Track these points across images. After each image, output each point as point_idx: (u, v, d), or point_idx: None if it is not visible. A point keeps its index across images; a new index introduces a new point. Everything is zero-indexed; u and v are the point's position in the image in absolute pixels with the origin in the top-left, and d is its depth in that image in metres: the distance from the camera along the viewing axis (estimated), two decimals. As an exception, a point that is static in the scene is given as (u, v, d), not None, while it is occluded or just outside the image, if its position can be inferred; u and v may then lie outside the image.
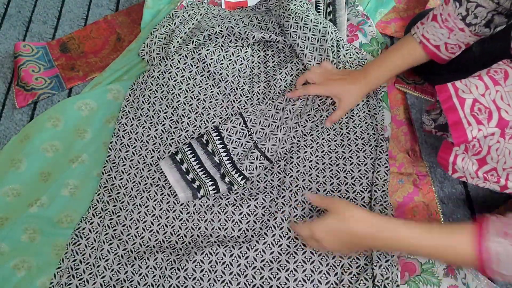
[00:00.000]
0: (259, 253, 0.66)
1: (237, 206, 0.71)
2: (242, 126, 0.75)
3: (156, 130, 0.79)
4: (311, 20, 0.81)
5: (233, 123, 0.76)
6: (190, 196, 0.70)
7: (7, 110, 0.91)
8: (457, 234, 0.49)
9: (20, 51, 0.94)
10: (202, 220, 0.71)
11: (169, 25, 0.91)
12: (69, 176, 0.79)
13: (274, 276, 0.64)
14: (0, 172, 0.79)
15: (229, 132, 0.75)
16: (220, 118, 0.80)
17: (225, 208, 0.71)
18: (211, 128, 0.77)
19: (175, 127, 0.79)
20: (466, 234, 0.48)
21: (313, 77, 0.76)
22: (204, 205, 0.72)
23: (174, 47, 0.86)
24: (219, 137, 0.74)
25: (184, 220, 0.71)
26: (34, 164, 0.80)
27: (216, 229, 0.70)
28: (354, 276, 0.63)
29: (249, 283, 0.64)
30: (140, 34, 0.96)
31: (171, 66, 0.83)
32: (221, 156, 0.73)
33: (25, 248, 0.72)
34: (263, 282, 0.64)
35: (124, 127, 0.79)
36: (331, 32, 0.81)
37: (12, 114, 0.90)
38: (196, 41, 0.84)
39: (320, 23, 0.81)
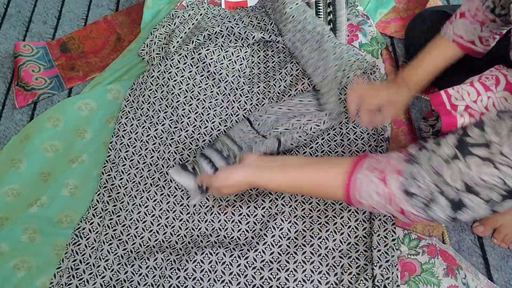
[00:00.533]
0: (259, 253, 0.66)
1: (237, 207, 0.71)
2: (249, 128, 0.75)
3: (156, 130, 0.79)
4: (309, 23, 0.81)
5: (241, 127, 0.76)
6: (203, 199, 0.71)
7: (7, 110, 0.91)
8: (334, 169, 0.52)
9: (20, 51, 0.94)
10: (202, 220, 0.71)
11: (169, 25, 0.91)
12: (69, 176, 0.79)
13: (274, 276, 0.64)
14: (0, 172, 0.79)
15: (239, 134, 0.75)
16: (220, 118, 0.80)
17: (224, 209, 0.71)
18: (223, 133, 0.77)
19: (175, 127, 0.79)
20: (341, 169, 0.51)
21: (356, 95, 0.70)
22: (204, 206, 0.72)
23: (174, 47, 0.86)
24: (233, 142, 0.74)
25: (184, 221, 0.71)
26: (34, 164, 0.80)
27: (216, 229, 0.70)
28: (354, 276, 0.63)
29: (249, 283, 0.64)
30: (140, 34, 0.96)
31: (171, 66, 0.83)
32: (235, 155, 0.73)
33: (25, 248, 0.72)
34: (263, 282, 0.64)
35: (124, 127, 0.79)
36: (330, 35, 0.81)
37: (12, 114, 0.90)
38: (196, 41, 0.84)
39: (319, 25, 0.81)
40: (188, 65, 0.84)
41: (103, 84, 0.89)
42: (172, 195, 0.73)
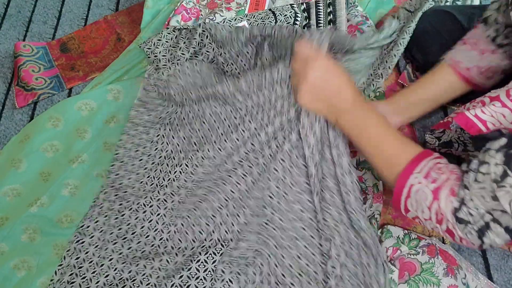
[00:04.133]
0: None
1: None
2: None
3: (165, 129, 0.79)
4: None
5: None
6: None
7: (7, 110, 0.91)
8: (403, 153, 0.50)
9: (20, 51, 0.94)
10: (203, 216, 0.71)
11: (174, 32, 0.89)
12: (69, 176, 0.79)
13: (273, 273, 0.64)
14: (0, 172, 0.79)
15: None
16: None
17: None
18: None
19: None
20: (410, 153, 0.49)
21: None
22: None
23: (181, 51, 0.84)
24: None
25: (186, 218, 0.71)
26: (34, 164, 0.80)
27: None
28: None
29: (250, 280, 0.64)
30: (140, 34, 0.96)
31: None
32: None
33: (25, 248, 0.72)
34: (261, 280, 0.64)
35: (136, 127, 0.79)
36: None
37: (12, 114, 0.90)
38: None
39: None
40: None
41: (103, 84, 0.90)
42: (176, 193, 0.73)
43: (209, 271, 0.65)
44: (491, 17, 0.60)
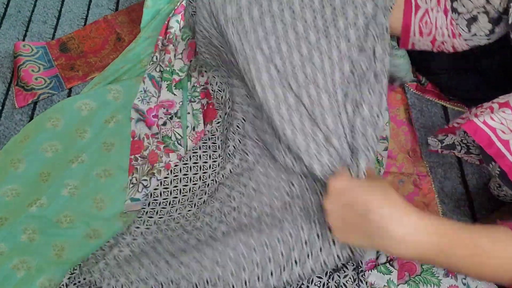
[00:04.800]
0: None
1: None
2: None
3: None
4: None
5: None
6: None
7: (6, 110, 0.91)
8: (503, 241, 0.41)
9: (19, 51, 0.94)
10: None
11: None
12: (69, 176, 0.79)
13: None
14: (0, 172, 0.79)
15: None
16: None
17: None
18: None
19: None
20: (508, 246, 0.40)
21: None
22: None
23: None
24: None
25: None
26: (33, 164, 0.80)
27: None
28: None
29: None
30: (140, 34, 0.96)
31: None
32: None
33: (24, 248, 0.72)
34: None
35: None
36: None
37: (11, 114, 0.90)
38: None
39: None
40: None
41: (103, 84, 0.89)
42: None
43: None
44: None
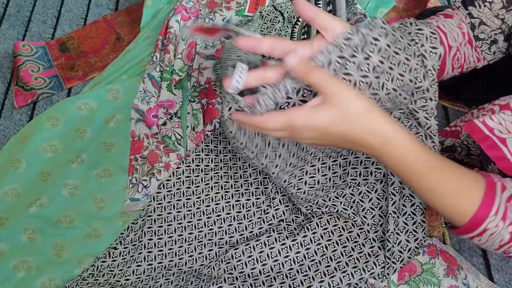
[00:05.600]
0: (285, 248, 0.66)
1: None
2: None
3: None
4: None
5: None
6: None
7: (6, 110, 0.91)
8: (467, 188, 0.43)
9: (19, 51, 0.94)
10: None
11: None
12: (69, 176, 0.79)
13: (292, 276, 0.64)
14: (0, 172, 0.79)
15: None
16: None
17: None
18: None
19: None
20: (475, 195, 0.42)
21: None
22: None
23: None
24: None
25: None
26: (33, 164, 0.80)
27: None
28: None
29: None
30: (140, 34, 0.96)
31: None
32: None
33: (25, 248, 0.72)
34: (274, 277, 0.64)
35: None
36: None
37: (11, 114, 0.90)
38: None
39: None
40: None
41: (102, 84, 0.89)
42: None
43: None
44: None
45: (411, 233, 0.60)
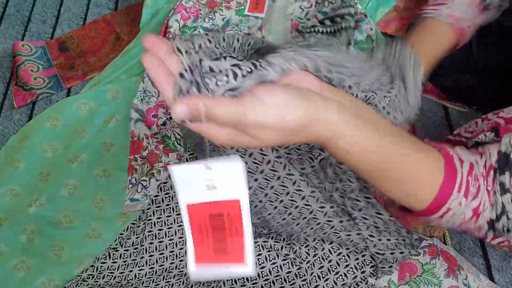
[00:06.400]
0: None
1: None
2: None
3: None
4: None
5: None
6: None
7: (5, 110, 0.90)
8: (426, 168, 0.39)
9: (18, 51, 0.94)
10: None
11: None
12: (68, 176, 0.79)
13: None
14: (-1, 172, 0.79)
15: None
16: None
17: None
18: None
19: None
20: (433, 177, 0.39)
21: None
22: None
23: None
24: None
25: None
26: (33, 164, 0.80)
27: None
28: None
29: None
30: (140, 33, 0.95)
31: None
32: None
33: (24, 248, 0.72)
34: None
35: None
36: None
37: (10, 114, 0.90)
38: None
39: None
40: None
41: (102, 83, 0.89)
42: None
43: None
44: None
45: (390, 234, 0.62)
